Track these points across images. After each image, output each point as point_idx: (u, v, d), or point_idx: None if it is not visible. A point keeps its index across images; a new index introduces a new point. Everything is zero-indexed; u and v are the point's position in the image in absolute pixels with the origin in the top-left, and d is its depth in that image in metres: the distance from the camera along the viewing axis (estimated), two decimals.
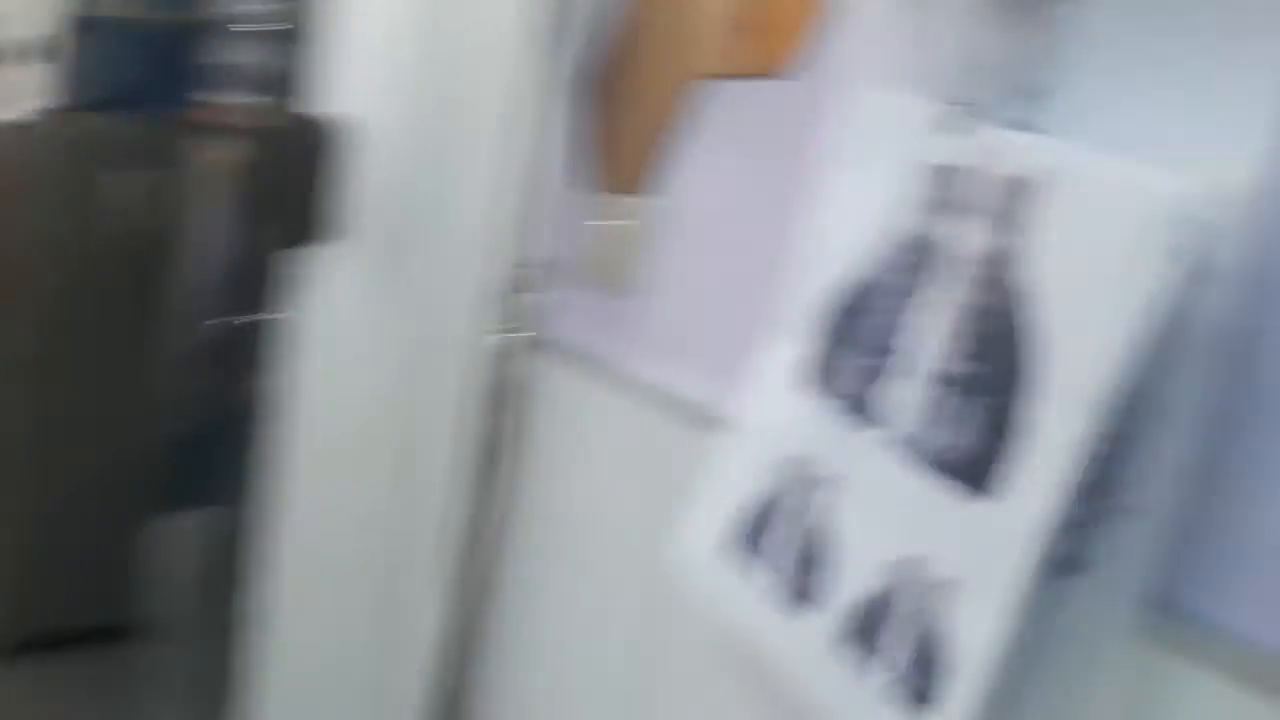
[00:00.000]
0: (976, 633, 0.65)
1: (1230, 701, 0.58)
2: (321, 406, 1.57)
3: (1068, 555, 0.64)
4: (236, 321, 1.94)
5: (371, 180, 1.51)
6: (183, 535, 3.51)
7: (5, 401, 3.26)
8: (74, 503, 3.18)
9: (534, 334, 1.33)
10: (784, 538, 0.83)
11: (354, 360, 1.56)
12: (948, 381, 0.71)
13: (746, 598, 0.85)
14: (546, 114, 1.30)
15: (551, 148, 1.32)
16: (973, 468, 0.68)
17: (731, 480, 0.89)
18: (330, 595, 1.59)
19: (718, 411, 0.98)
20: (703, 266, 1.08)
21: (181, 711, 2.86)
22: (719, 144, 1.07)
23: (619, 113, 1.22)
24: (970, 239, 0.70)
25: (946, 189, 0.73)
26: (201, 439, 3.68)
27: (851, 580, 0.76)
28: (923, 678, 0.68)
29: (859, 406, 0.78)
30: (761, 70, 0.99)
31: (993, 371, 0.67)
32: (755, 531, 0.86)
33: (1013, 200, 0.67)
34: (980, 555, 0.66)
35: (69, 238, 3.05)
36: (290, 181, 1.60)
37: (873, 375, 0.77)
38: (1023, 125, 0.70)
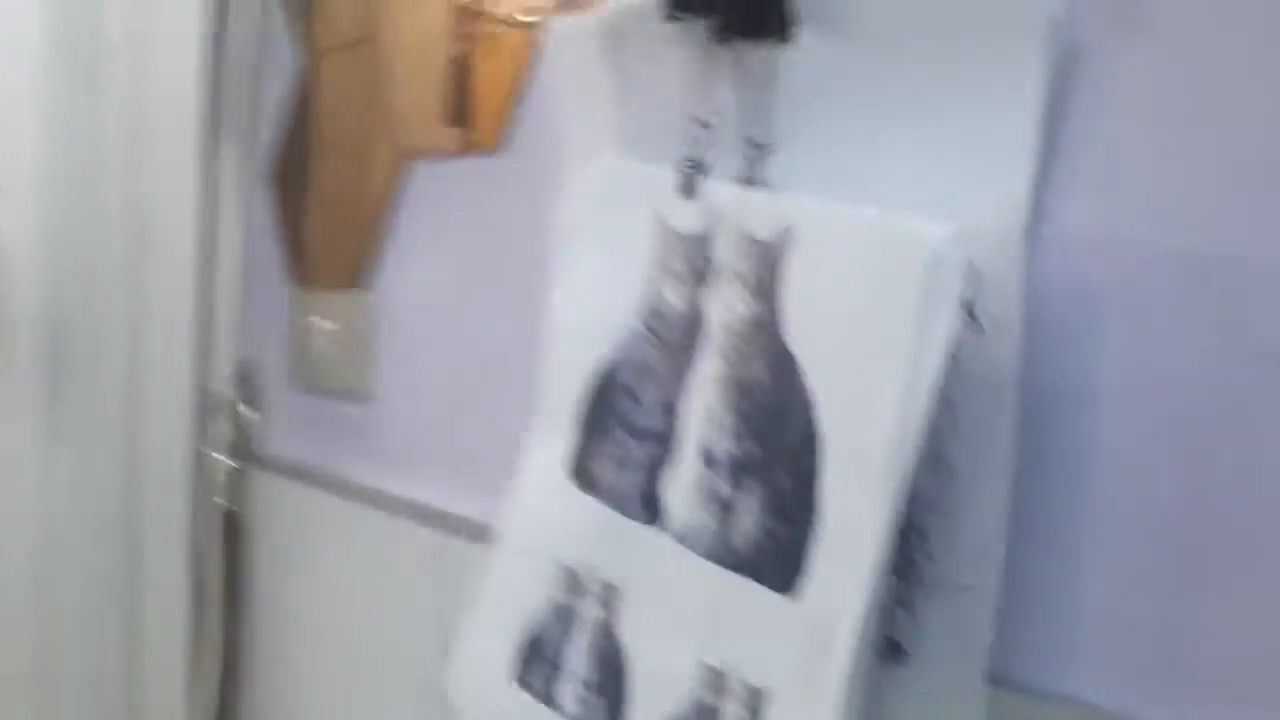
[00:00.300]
0: None
1: None
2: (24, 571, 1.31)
3: (888, 642, 0.58)
4: None
5: (23, 300, 1.28)
6: None
7: None
8: None
9: (256, 452, 1.16)
10: (576, 658, 0.73)
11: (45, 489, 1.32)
12: (724, 466, 0.63)
13: None
14: (241, 209, 1.15)
15: (253, 246, 1.17)
16: (765, 560, 0.60)
17: (508, 597, 0.78)
18: None
19: (480, 521, 0.88)
20: (436, 363, 0.97)
21: None
22: (433, 230, 0.97)
23: (320, 202, 1.09)
24: (727, 308, 0.64)
25: (692, 257, 0.66)
26: None
27: (656, 700, 0.67)
28: None
29: (635, 502, 0.69)
30: (470, 148, 0.91)
31: (772, 452, 0.60)
32: (542, 653, 0.75)
33: (763, 262, 0.61)
34: (790, 657, 0.59)
35: None
36: None
37: (645, 466, 0.69)
38: (757, 182, 0.65)
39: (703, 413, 0.65)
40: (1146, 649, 0.52)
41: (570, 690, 0.72)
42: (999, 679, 0.56)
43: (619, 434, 0.71)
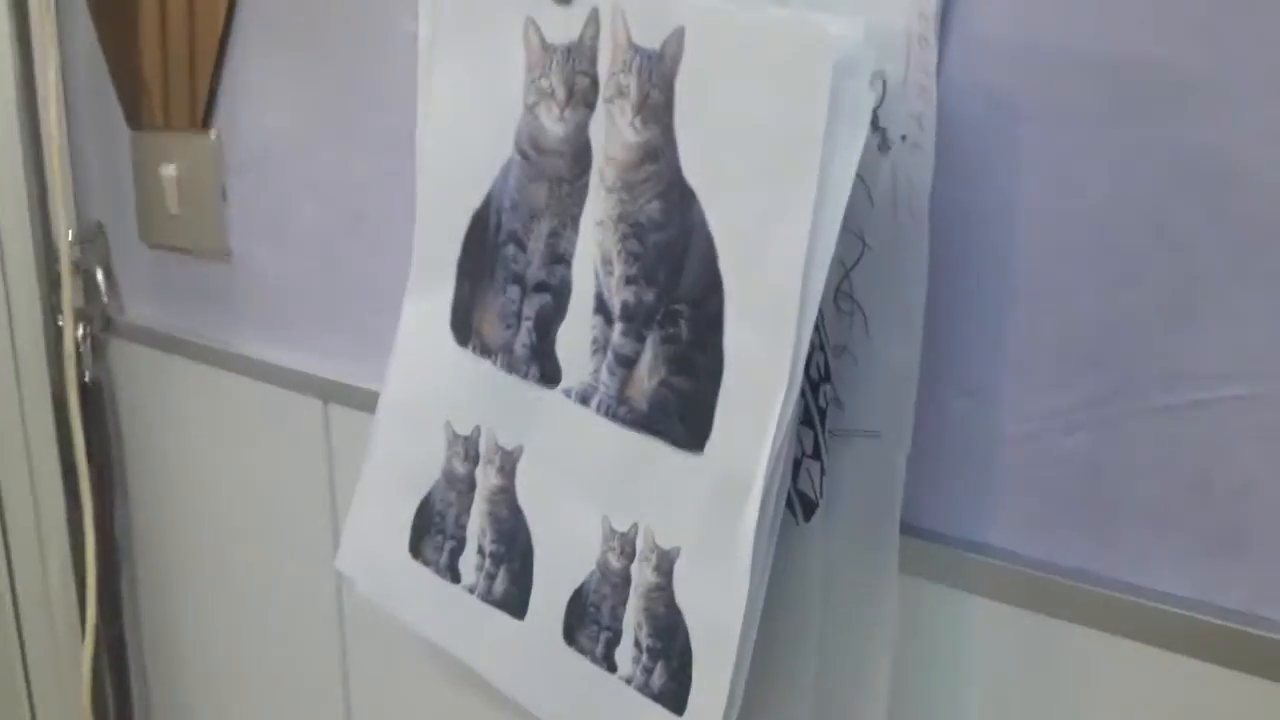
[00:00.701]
0: (712, 604, 0.54)
1: (997, 619, 0.52)
2: None
3: (798, 494, 0.55)
4: None
5: None
6: None
7: None
8: None
9: (113, 318, 1.07)
10: (474, 527, 0.68)
11: None
12: (620, 318, 0.58)
13: (441, 609, 0.70)
14: (59, 42, 1.01)
15: (83, 88, 1.04)
16: (668, 416, 0.56)
17: (397, 466, 0.72)
18: None
19: (361, 386, 0.82)
20: (296, 210, 0.87)
21: None
22: (280, 54, 0.85)
23: (150, 30, 0.96)
24: (614, 134, 0.56)
25: (569, 73, 0.58)
26: None
27: (561, 567, 0.63)
28: (663, 669, 0.57)
29: (527, 360, 0.64)
30: None
31: (671, 300, 0.55)
32: (438, 523, 0.70)
33: (650, 77, 0.54)
34: (698, 514, 0.55)
35: None
36: None
37: (535, 320, 0.63)
38: None
39: (595, 258, 0.59)
40: (1065, 494, 0.50)
41: (471, 561, 0.68)
42: (914, 529, 0.54)
43: (504, 285, 0.64)
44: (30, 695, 1.19)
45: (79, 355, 1.06)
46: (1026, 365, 0.50)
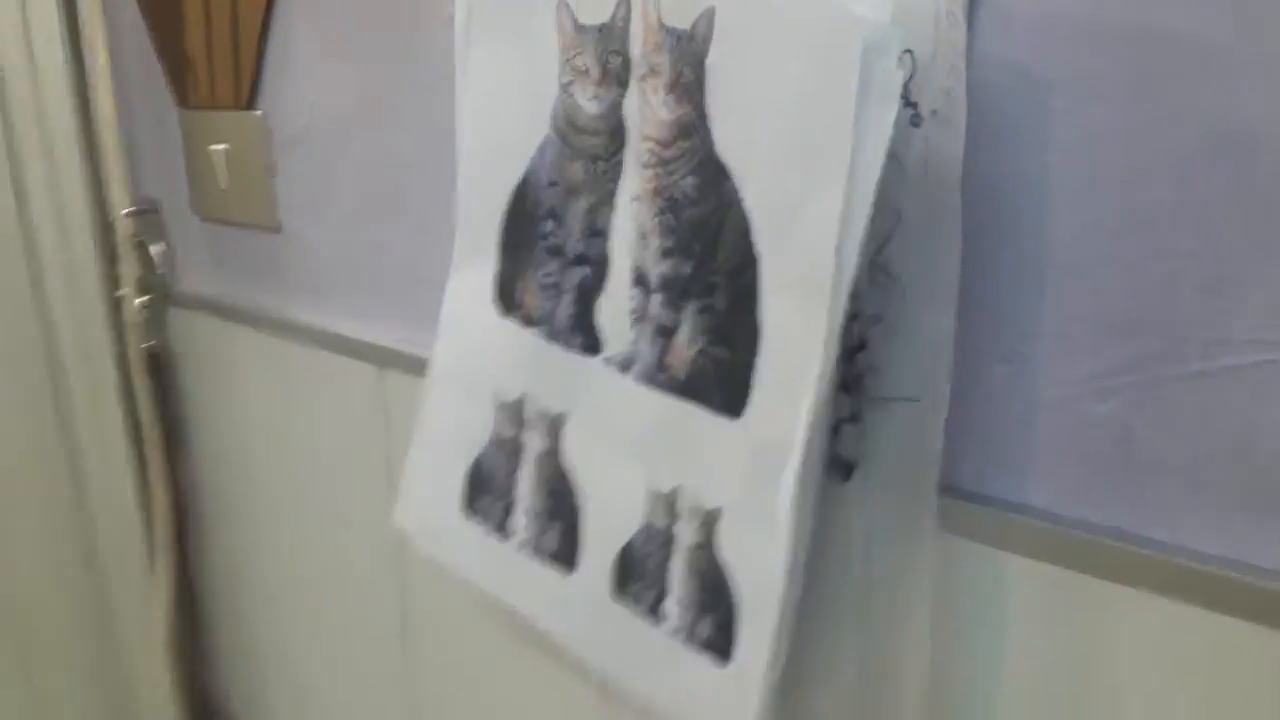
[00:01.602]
0: (755, 562, 0.57)
1: (1033, 576, 0.54)
2: None
3: (836, 458, 0.57)
4: None
5: None
6: None
7: None
8: None
9: (171, 290, 1.10)
10: (524, 488, 0.71)
11: None
12: (658, 289, 0.59)
13: (493, 563, 0.73)
14: (107, 24, 1.03)
15: (133, 70, 1.06)
16: (707, 384, 0.57)
17: (448, 431, 0.75)
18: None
19: (411, 353, 0.84)
20: (342, 185, 0.89)
21: None
22: (323, 34, 0.87)
23: (196, 11, 0.97)
24: (648, 112, 0.57)
25: (602, 52, 0.59)
26: None
27: (608, 526, 0.65)
28: (709, 621, 0.60)
29: (569, 330, 0.66)
30: None
31: (707, 271, 0.56)
32: (489, 485, 0.73)
33: (683, 55, 0.55)
34: (740, 477, 0.57)
35: None
36: None
37: (575, 292, 0.65)
38: None
39: (631, 232, 0.60)
40: (1100, 456, 0.51)
41: (521, 519, 0.71)
42: (952, 490, 0.55)
43: (544, 258, 0.66)
44: (115, 636, 1.25)
45: (139, 324, 1.10)
46: (1061, 332, 0.51)
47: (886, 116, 0.47)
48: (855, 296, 0.52)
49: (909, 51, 0.48)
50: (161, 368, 1.13)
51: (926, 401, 0.54)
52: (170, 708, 1.23)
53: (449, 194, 0.71)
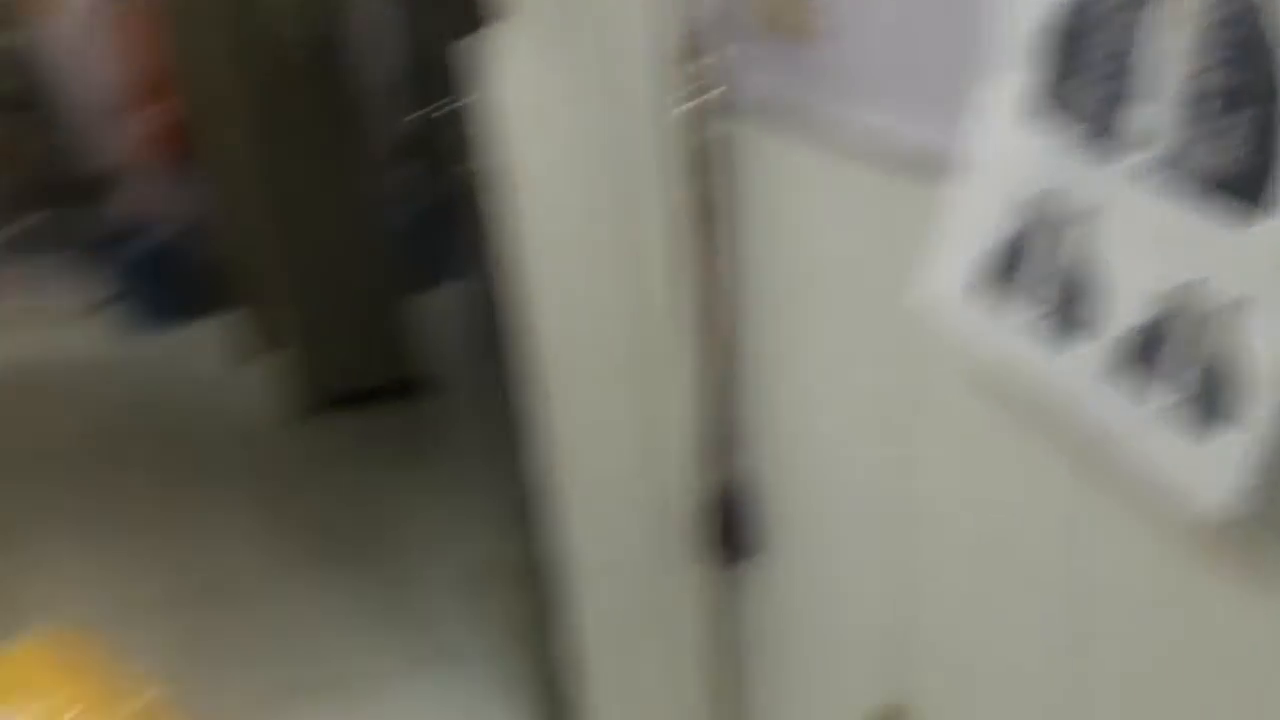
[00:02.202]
0: (1273, 346, 0.63)
1: None
2: (534, 185, 1.59)
3: None
4: (433, 114, 1.96)
5: None
6: (437, 306, 3.83)
7: (242, 198, 3.55)
8: (330, 283, 3.48)
9: (723, 94, 1.28)
10: (1040, 274, 0.81)
11: (552, 138, 1.57)
12: (1201, 98, 0.65)
13: (1004, 334, 0.85)
14: None
15: None
16: (1244, 184, 0.64)
17: (972, 223, 0.87)
18: (587, 358, 1.68)
19: (939, 155, 0.93)
20: None
21: (461, 458, 3.23)
22: None
23: None
24: None
25: None
26: (428, 222, 3.94)
27: (1123, 309, 0.75)
28: (1212, 396, 0.68)
29: (1102, 134, 0.73)
30: None
31: (1250, 80, 0.62)
32: (1007, 270, 0.84)
33: None
34: (1268, 270, 0.63)
35: (249, 46, 3.17)
36: None
37: (1112, 100, 0.72)
38: None
39: (1176, 46, 0.65)
40: None
41: (1034, 302, 0.81)
42: None
43: (1083, 69, 0.73)
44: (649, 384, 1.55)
45: (699, 123, 1.29)
46: None
47: None
48: None
49: None
50: (721, 163, 1.32)
51: None
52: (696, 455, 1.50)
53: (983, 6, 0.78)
